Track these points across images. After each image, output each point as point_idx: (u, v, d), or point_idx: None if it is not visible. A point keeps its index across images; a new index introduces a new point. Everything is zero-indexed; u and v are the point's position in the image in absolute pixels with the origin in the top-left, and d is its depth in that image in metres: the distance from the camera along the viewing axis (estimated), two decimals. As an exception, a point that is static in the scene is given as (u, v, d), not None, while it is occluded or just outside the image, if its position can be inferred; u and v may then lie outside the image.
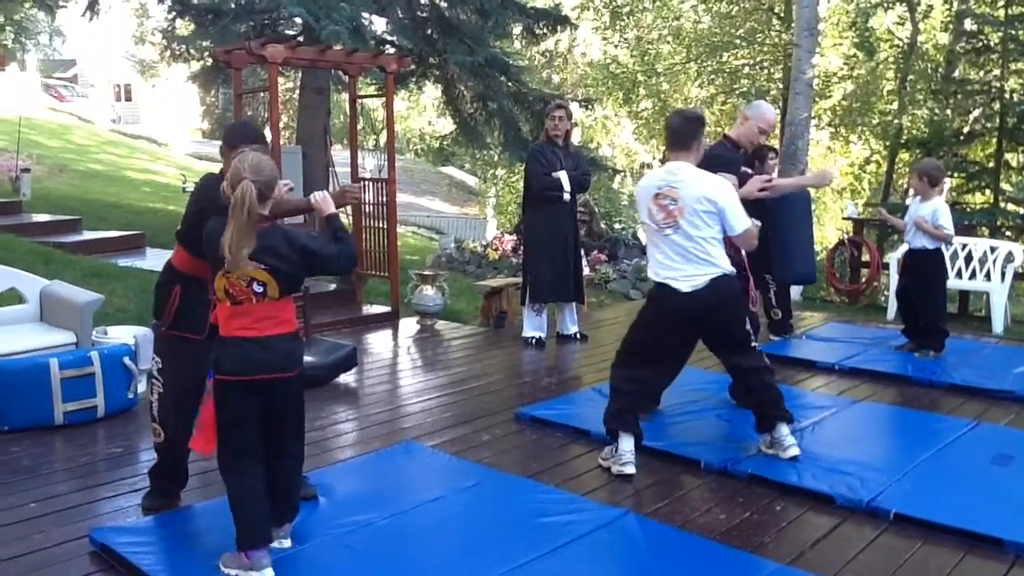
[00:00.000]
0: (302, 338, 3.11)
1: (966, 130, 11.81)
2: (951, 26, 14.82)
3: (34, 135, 19.67)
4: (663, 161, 3.98)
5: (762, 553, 3.08)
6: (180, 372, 3.23)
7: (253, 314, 2.78)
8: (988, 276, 8.05)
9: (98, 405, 4.40)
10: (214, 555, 2.86)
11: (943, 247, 5.92)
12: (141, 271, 7.65)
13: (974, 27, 12.29)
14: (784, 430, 3.92)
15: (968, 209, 10.66)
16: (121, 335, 4.92)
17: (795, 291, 8.24)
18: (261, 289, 2.76)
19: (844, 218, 11.35)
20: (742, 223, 3.79)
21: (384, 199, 7.39)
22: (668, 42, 18.76)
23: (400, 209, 9.03)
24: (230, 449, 2.82)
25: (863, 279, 9.58)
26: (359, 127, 10.40)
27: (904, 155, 13.99)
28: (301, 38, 8.61)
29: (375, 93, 10.15)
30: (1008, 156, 11.29)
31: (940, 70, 14.59)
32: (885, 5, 16.00)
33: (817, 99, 15.02)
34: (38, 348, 4.66)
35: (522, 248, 7.06)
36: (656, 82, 18.57)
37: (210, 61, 10.90)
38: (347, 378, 5.39)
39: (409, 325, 7.13)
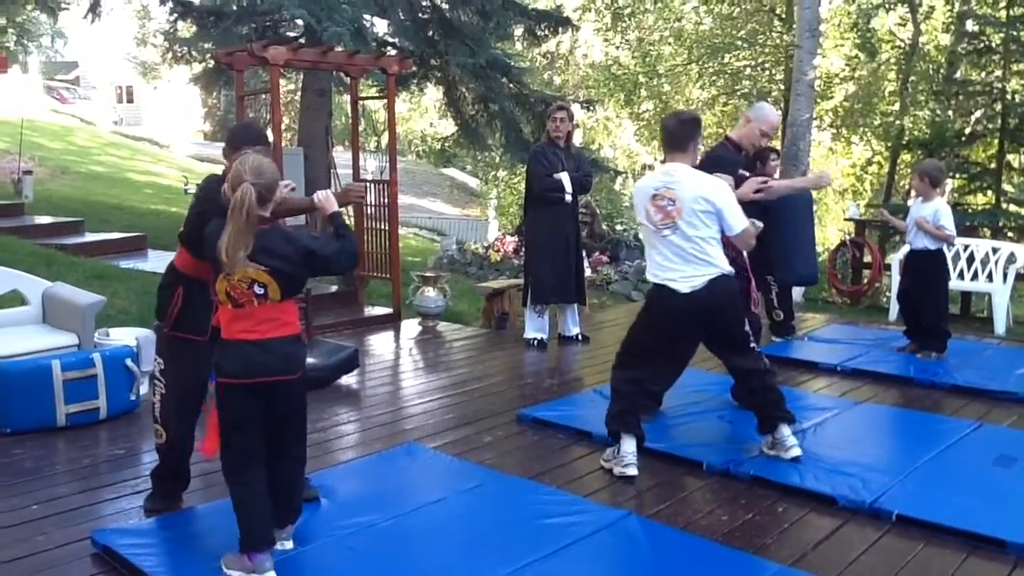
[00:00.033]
0: (304, 340, 3.11)
1: (968, 131, 11.81)
2: (953, 27, 14.81)
3: (36, 137, 19.71)
4: (664, 163, 3.99)
5: (764, 554, 3.08)
6: (182, 373, 3.24)
7: (255, 317, 2.78)
8: (990, 277, 8.04)
9: (100, 407, 4.41)
10: (216, 557, 2.86)
11: (945, 248, 5.92)
12: (143, 273, 7.66)
13: (976, 28, 12.29)
14: (786, 431, 3.92)
15: (970, 210, 10.67)
16: (123, 337, 4.92)
17: (797, 292, 8.24)
18: (262, 291, 2.76)
19: (846, 219, 11.32)
20: (740, 223, 3.79)
21: (386, 200, 7.39)
22: (669, 43, 18.75)
23: (402, 211, 9.04)
24: (232, 451, 2.83)
25: (865, 280, 9.56)
26: (361, 129, 10.39)
27: (906, 156, 13.97)
28: (303, 40, 8.61)
29: (377, 95, 10.13)
30: (1010, 157, 11.30)
31: (942, 71, 14.59)
32: (887, 6, 16.01)
33: (819, 100, 15.00)
34: (40, 350, 4.66)
35: (524, 249, 7.06)
36: (657, 83, 18.57)
37: (212, 63, 10.90)
38: (349, 380, 5.38)
39: (411, 327, 7.12)
